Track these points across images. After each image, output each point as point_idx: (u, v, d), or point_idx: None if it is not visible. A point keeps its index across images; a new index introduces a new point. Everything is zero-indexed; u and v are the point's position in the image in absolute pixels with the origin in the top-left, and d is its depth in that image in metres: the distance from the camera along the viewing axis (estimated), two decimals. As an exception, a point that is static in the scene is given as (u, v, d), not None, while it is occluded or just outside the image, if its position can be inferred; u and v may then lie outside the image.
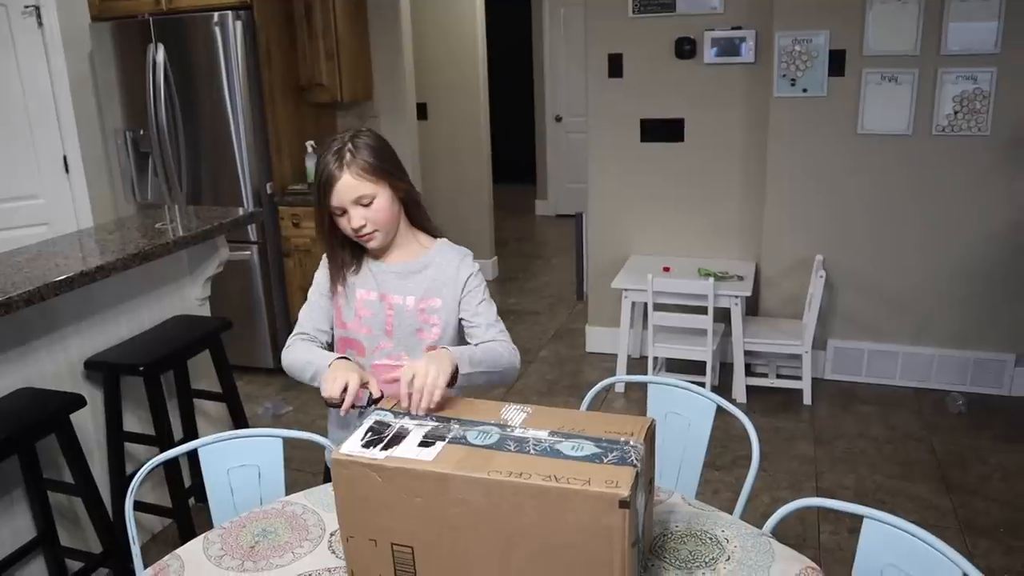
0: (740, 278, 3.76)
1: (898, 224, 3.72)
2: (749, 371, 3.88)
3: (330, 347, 1.74)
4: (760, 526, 1.49)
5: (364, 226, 1.61)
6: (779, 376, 3.93)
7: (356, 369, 1.55)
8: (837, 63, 3.60)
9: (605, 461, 1.18)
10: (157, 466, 1.69)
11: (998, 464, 3.15)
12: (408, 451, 1.25)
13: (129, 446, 2.65)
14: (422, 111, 5.35)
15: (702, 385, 1.99)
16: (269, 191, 4.18)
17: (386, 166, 1.61)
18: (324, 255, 1.73)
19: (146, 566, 1.46)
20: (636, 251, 4.22)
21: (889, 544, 1.35)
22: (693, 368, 3.81)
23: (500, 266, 6.11)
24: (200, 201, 4.14)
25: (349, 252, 1.70)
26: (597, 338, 4.42)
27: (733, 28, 3.79)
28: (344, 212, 1.61)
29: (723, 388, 3.81)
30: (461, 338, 1.71)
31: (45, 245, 2.64)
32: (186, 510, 2.59)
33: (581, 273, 4.96)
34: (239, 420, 2.92)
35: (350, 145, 1.59)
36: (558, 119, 7.59)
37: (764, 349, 3.73)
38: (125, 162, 4.28)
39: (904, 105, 3.56)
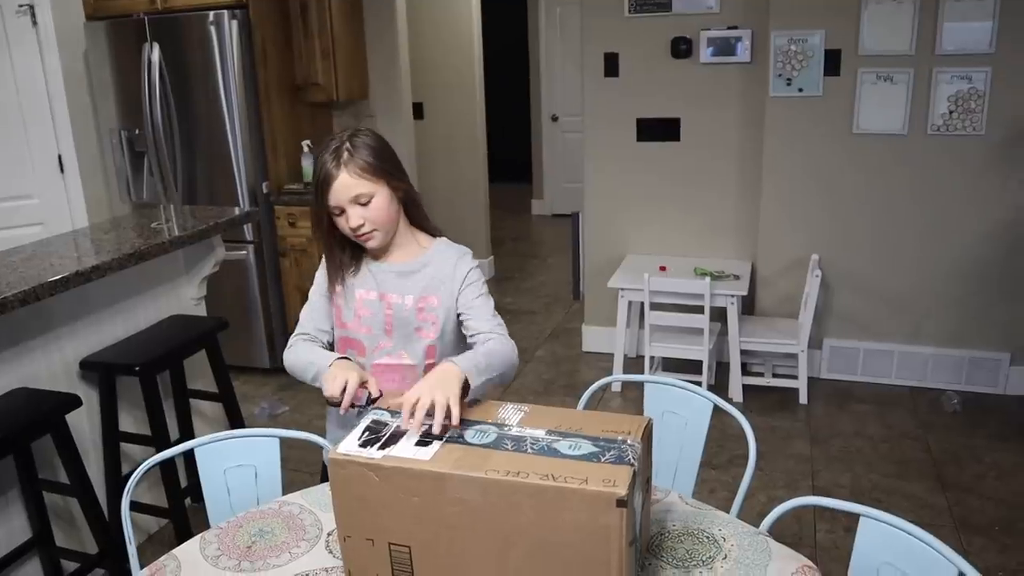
0: (736, 277, 3.76)
1: (894, 223, 3.73)
2: (745, 370, 3.89)
3: (331, 347, 1.74)
4: (757, 525, 1.49)
5: (362, 225, 1.61)
6: (775, 375, 3.94)
7: (356, 368, 1.56)
8: (833, 63, 3.60)
9: (602, 460, 1.18)
10: (153, 466, 1.68)
11: (993, 463, 3.16)
12: (405, 450, 1.25)
13: (125, 446, 2.65)
14: (418, 110, 5.35)
15: (698, 384, 1.99)
16: (265, 190, 4.17)
17: (385, 165, 1.61)
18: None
19: (142, 566, 1.46)
20: (632, 250, 4.23)
21: (885, 542, 1.35)
22: (689, 367, 3.82)
23: (496, 265, 6.11)
24: (196, 201, 4.14)
25: (349, 252, 1.70)
26: (593, 337, 4.43)
27: (729, 28, 3.79)
28: (342, 212, 1.60)
29: (719, 387, 3.81)
30: (459, 336, 1.70)
31: (40, 245, 2.63)
32: (182, 510, 2.59)
33: (577, 272, 4.97)
34: (235, 420, 2.91)
35: (348, 144, 1.58)
36: (554, 118, 7.59)
37: (760, 348, 3.73)
38: (120, 161, 4.27)
39: (899, 105, 3.56)
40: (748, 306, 4.02)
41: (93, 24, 4.14)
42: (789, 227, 3.88)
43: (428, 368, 1.69)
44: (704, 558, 1.36)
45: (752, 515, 1.74)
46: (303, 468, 2.97)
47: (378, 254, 1.70)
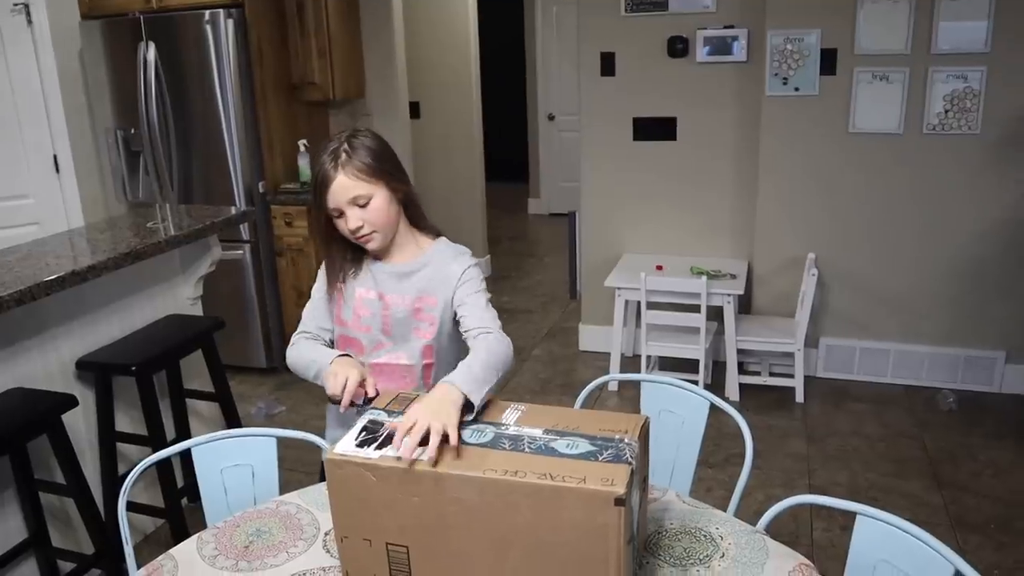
0: (733, 276, 3.76)
1: (889, 222, 3.73)
2: (742, 369, 3.89)
3: (333, 344, 1.74)
4: (754, 523, 1.49)
5: (361, 227, 1.60)
6: (772, 374, 3.94)
7: (356, 366, 1.56)
8: (829, 62, 3.61)
9: (600, 459, 1.18)
10: (150, 466, 1.68)
11: (989, 461, 3.17)
12: (403, 450, 1.25)
13: (121, 446, 2.64)
14: (415, 109, 5.34)
15: (695, 383, 1.99)
16: (261, 190, 4.16)
17: (384, 167, 1.60)
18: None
19: (139, 567, 1.46)
20: (629, 249, 4.23)
21: (882, 541, 1.36)
22: (686, 366, 3.82)
23: (493, 265, 6.11)
24: (192, 200, 4.13)
25: (349, 253, 1.69)
26: (590, 336, 4.43)
27: (725, 27, 3.79)
28: (341, 214, 1.60)
29: (716, 386, 3.82)
30: (457, 336, 1.69)
31: (36, 245, 2.62)
32: (179, 510, 2.58)
33: (574, 271, 4.97)
34: (232, 420, 2.91)
35: (346, 145, 1.57)
36: (551, 117, 7.59)
37: (757, 347, 3.74)
38: (116, 161, 4.26)
39: (895, 104, 3.57)
40: (744, 305, 4.02)
41: (88, 23, 4.13)
42: (785, 226, 3.88)
43: (425, 368, 1.69)
44: (701, 556, 1.37)
45: (749, 514, 1.74)
46: (300, 468, 2.97)
47: (378, 255, 1.70)
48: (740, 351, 3.76)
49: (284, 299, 4.23)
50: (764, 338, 3.69)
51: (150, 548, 2.75)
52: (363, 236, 1.62)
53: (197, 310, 3.08)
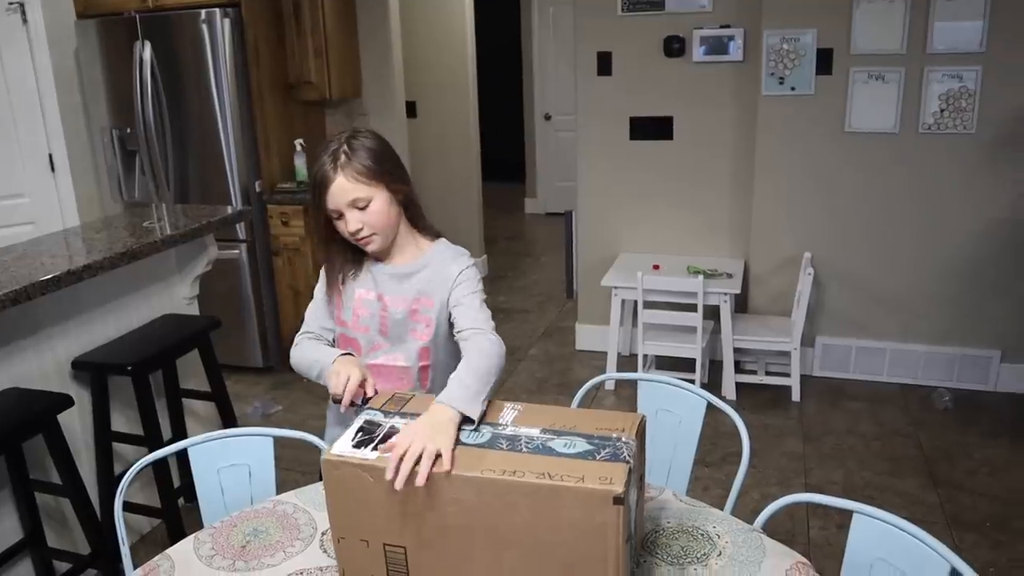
0: (729, 276, 3.77)
1: (885, 222, 3.74)
2: (738, 368, 3.90)
3: (335, 344, 1.73)
4: (751, 522, 1.50)
5: (361, 229, 1.59)
6: (768, 373, 3.95)
7: (357, 365, 1.55)
8: (824, 61, 3.62)
9: (598, 458, 1.18)
10: (146, 466, 1.68)
11: (984, 459, 3.18)
12: (400, 450, 1.25)
13: (117, 446, 2.64)
14: (411, 109, 5.34)
15: (692, 382, 1.99)
16: (258, 189, 4.16)
17: (384, 168, 1.59)
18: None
19: (135, 567, 1.45)
20: (626, 249, 4.23)
21: (878, 539, 1.36)
22: (683, 365, 3.83)
23: (490, 264, 6.11)
24: (188, 199, 4.12)
25: (349, 254, 1.68)
26: (587, 336, 4.43)
27: (722, 27, 3.80)
28: (341, 216, 1.59)
29: (713, 385, 3.82)
30: (452, 337, 1.69)
31: (31, 244, 2.62)
32: (175, 510, 2.58)
33: (571, 271, 4.97)
34: (228, 419, 2.90)
35: (346, 147, 1.56)
36: (547, 117, 7.59)
37: (753, 346, 3.74)
38: (112, 160, 4.25)
39: (891, 103, 3.58)
40: (741, 304, 4.03)
41: (84, 22, 4.11)
42: (782, 225, 3.89)
43: (422, 370, 1.69)
44: (699, 555, 1.37)
45: (746, 512, 1.75)
46: (297, 467, 2.97)
47: (379, 256, 1.69)
48: (737, 350, 3.76)
49: (281, 298, 4.23)
50: (760, 337, 3.69)
51: (146, 548, 2.74)
52: (363, 238, 1.61)
53: (193, 310, 3.07)
